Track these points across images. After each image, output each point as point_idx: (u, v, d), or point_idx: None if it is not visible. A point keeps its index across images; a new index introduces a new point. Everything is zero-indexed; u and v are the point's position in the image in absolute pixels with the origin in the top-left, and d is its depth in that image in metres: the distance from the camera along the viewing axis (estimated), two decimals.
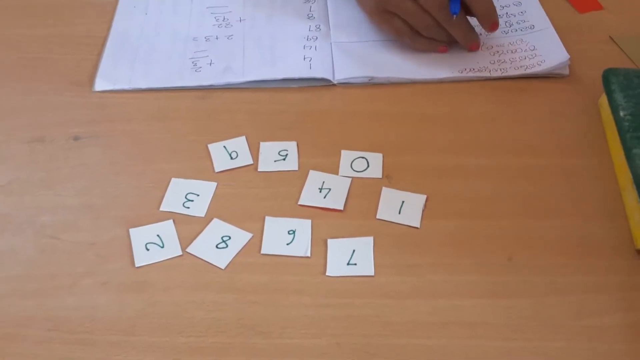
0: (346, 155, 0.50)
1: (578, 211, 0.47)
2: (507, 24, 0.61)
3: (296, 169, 0.49)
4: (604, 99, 0.52)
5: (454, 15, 0.55)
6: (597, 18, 0.62)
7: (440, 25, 0.56)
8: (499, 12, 0.62)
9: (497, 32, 0.60)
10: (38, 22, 0.62)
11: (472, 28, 0.57)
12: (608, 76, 0.51)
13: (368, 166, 0.49)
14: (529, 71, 0.56)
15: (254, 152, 0.50)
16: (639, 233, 0.44)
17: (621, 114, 0.48)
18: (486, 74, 0.56)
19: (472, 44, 0.57)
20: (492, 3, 0.56)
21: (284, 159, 0.50)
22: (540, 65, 0.56)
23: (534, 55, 0.58)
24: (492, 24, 0.56)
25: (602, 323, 0.41)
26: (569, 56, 0.56)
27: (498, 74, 0.56)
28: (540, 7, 0.63)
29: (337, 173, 0.49)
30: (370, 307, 0.41)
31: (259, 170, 0.49)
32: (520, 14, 0.62)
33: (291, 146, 0.51)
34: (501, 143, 0.51)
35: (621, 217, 0.46)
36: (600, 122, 0.53)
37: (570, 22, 0.62)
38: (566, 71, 0.56)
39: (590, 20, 0.62)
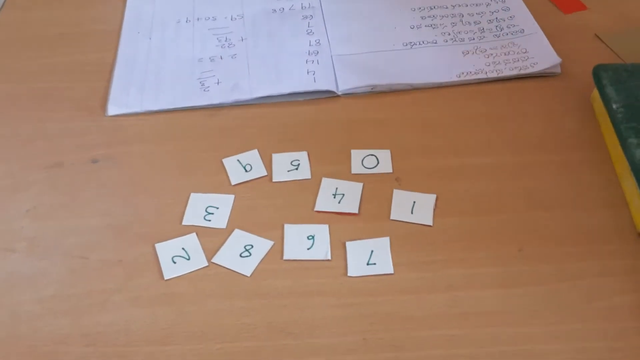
0: (356, 154, 0.52)
1: (580, 201, 0.49)
2: (498, 28, 0.64)
3: (309, 177, 0.51)
4: (596, 94, 0.55)
5: None
6: (582, 18, 0.66)
7: None
8: (489, 17, 0.66)
9: (490, 36, 0.63)
10: (46, 53, 0.64)
11: None
12: (598, 72, 0.54)
13: (378, 162, 0.52)
14: (523, 72, 0.59)
15: (267, 163, 0.52)
16: None
17: (614, 106, 0.51)
18: (482, 76, 0.59)
19: None
20: None
21: (296, 169, 0.52)
22: (533, 67, 0.59)
23: (526, 57, 0.60)
24: None
25: (613, 304, 0.43)
26: (560, 59, 0.59)
27: (494, 75, 0.59)
28: (528, 11, 0.65)
29: (349, 176, 0.51)
30: (392, 304, 0.43)
31: (273, 180, 0.51)
32: (510, 18, 0.65)
33: (302, 156, 0.53)
34: (501, 142, 0.54)
35: (621, 204, 0.49)
36: (593, 116, 0.55)
37: (557, 23, 0.65)
38: (558, 70, 0.59)
39: (576, 20, 0.65)
